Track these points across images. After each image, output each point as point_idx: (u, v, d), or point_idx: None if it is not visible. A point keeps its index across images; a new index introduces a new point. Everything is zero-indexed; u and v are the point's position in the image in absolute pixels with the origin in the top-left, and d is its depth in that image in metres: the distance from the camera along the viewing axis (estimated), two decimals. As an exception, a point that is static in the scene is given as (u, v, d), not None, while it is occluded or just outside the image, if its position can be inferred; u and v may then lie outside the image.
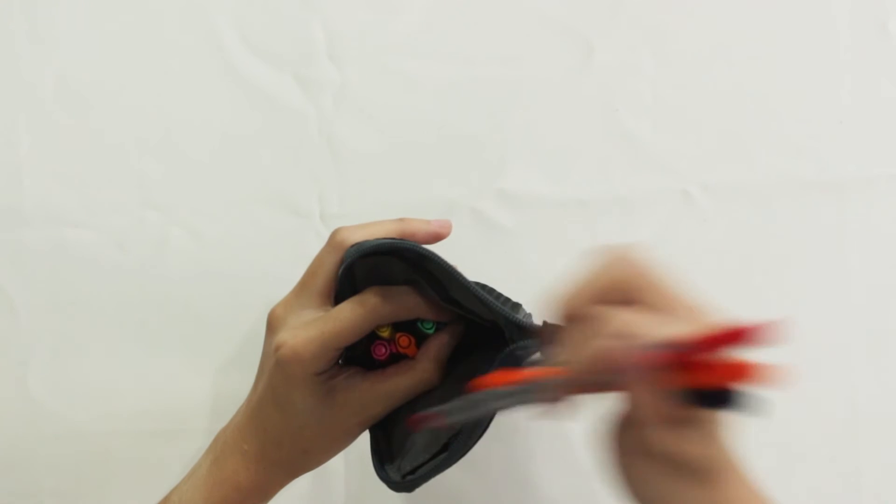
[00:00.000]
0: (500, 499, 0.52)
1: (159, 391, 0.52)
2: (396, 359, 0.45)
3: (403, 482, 0.40)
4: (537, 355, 0.37)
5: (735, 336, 0.26)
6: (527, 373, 0.32)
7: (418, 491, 0.52)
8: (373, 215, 0.53)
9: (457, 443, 0.39)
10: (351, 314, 0.38)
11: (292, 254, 0.53)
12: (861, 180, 0.53)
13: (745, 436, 0.53)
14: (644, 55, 0.54)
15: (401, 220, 0.40)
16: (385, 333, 0.44)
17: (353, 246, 0.39)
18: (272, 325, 0.40)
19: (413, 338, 0.44)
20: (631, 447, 0.32)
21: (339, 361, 0.40)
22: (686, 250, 0.53)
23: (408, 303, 0.39)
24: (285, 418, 0.39)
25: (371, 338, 0.44)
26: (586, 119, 0.54)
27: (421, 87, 0.54)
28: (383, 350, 0.44)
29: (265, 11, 0.54)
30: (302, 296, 0.39)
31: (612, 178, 0.53)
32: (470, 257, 0.53)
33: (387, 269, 0.40)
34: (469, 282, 0.37)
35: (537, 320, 0.37)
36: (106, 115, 0.54)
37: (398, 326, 0.45)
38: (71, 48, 0.54)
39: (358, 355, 0.44)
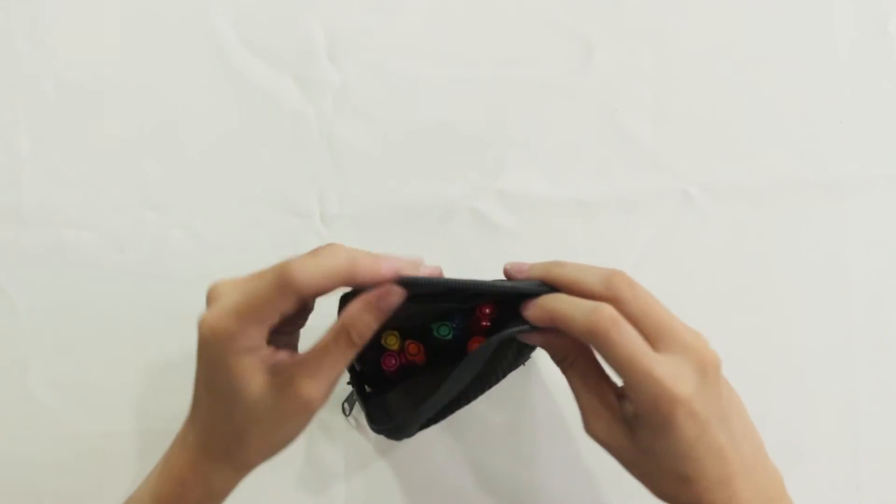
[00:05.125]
0: (500, 499, 0.52)
1: (159, 391, 0.52)
2: (406, 370, 0.45)
3: (403, 423, 0.40)
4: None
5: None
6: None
7: (418, 491, 0.52)
8: (373, 215, 0.53)
9: (451, 379, 0.39)
10: (266, 286, 0.34)
11: (292, 254, 0.53)
12: (861, 180, 0.53)
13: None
14: (644, 55, 0.54)
15: (351, 259, 0.35)
16: (394, 345, 0.43)
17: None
18: (207, 300, 0.37)
19: (421, 345, 0.44)
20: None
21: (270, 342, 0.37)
22: (686, 250, 0.53)
23: (333, 267, 0.34)
24: (215, 401, 0.37)
25: (380, 350, 0.44)
26: (586, 119, 0.54)
27: (421, 88, 0.54)
28: (393, 361, 0.43)
29: (265, 12, 0.54)
30: (240, 291, 0.35)
31: (612, 179, 0.53)
32: (470, 257, 0.53)
33: None
34: (469, 282, 0.37)
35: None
36: (105, 116, 0.54)
37: (408, 334, 0.44)
38: (71, 48, 0.54)
39: (368, 370, 0.44)
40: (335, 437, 0.52)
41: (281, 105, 0.54)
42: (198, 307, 0.35)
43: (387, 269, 0.35)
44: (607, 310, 0.33)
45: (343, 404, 0.50)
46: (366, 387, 0.47)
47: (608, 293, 0.34)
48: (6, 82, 0.54)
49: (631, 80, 0.54)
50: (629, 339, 0.33)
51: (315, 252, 0.36)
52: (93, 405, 0.52)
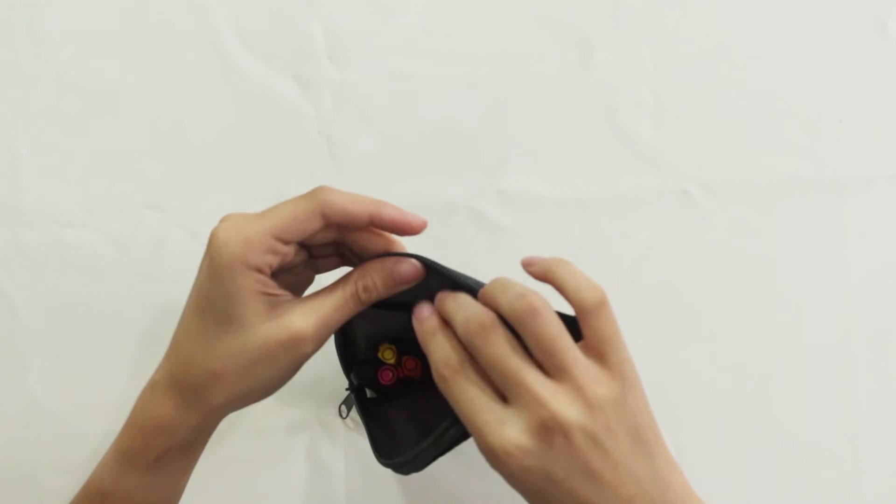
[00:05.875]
0: (500, 499, 0.52)
1: (159, 391, 0.52)
2: (404, 384, 0.45)
3: (413, 460, 0.39)
4: None
5: None
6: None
7: (418, 491, 0.52)
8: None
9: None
10: (294, 200, 0.35)
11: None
12: (860, 180, 0.53)
13: (745, 434, 0.53)
14: (644, 55, 0.54)
15: (379, 202, 0.36)
16: (391, 359, 0.44)
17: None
18: (218, 224, 0.36)
19: (419, 361, 0.44)
20: None
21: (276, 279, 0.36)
22: (686, 250, 0.53)
23: (364, 198, 0.35)
24: (201, 325, 0.35)
25: (377, 364, 0.44)
26: (586, 119, 0.54)
27: (420, 87, 0.54)
28: (390, 375, 0.44)
29: (265, 12, 0.54)
30: (261, 215, 0.35)
31: (612, 178, 0.53)
32: (469, 257, 0.53)
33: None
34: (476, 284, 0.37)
35: None
36: (105, 116, 0.54)
37: (405, 350, 0.45)
38: (71, 48, 0.54)
39: (365, 384, 0.44)
40: (335, 437, 0.52)
41: (281, 104, 0.54)
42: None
43: (413, 217, 0.35)
44: (453, 357, 0.34)
45: (340, 406, 0.50)
46: (367, 391, 0.47)
47: (512, 315, 0.33)
48: (6, 82, 0.54)
49: (631, 80, 0.54)
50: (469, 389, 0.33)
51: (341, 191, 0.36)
52: (93, 405, 0.52)
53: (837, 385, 0.52)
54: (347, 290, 0.36)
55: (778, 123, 0.54)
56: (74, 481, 0.52)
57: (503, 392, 0.33)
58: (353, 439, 0.52)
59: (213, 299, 0.34)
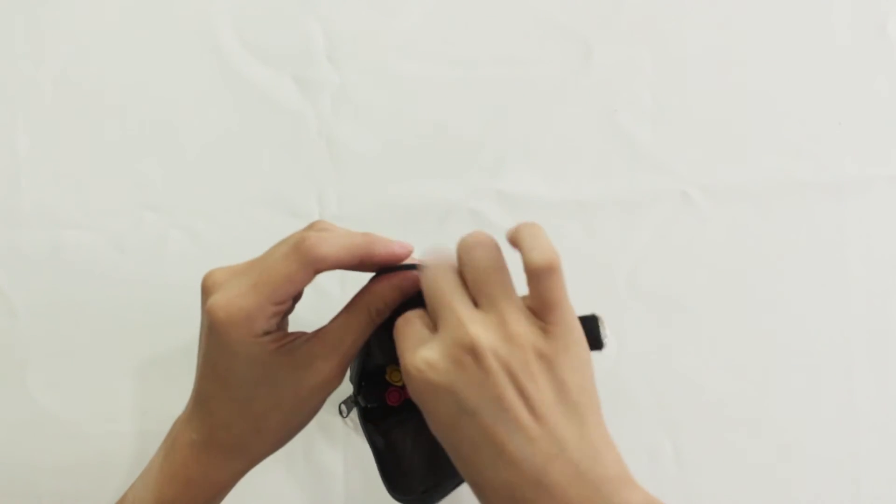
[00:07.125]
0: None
1: (158, 392, 0.52)
2: (412, 405, 0.45)
3: (422, 496, 0.39)
4: None
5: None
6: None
7: (417, 492, 0.52)
8: (372, 216, 0.53)
9: None
10: (283, 261, 0.33)
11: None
12: (860, 181, 0.53)
13: (744, 436, 0.53)
14: (643, 55, 0.54)
15: (366, 234, 0.36)
16: (399, 382, 0.43)
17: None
18: (208, 289, 0.35)
19: None
20: None
21: (283, 326, 0.37)
22: (685, 250, 0.53)
23: (352, 241, 0.34)
24: (229, 393, 0.35)
25: (385, 385, 0.44)
26: (585, 119, 0.54)
27: (420, 88, 0.54)
28: (397, 396, 0.43)
29: (264, 12, 0.54)
30: (251, 273, 0.35)
31: (612, 179, 0.53)
32: (469, 258, 0.53)
33: None
34: None
35: None
36: (105, 116, 0.54)
37: None
38: (71, 48, 0.54)
39: (373, 408, 0.44)
40: (334, 438, 0.52)
41: (280, 106, 0.54)
42: (197, 307, 0.36)
43: (399, 248, 0.35)
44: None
45: (340, 406, 0.50)
46: (368, 405, 0.46)
47: (460, 247, 0.34)
48: (6, 82, 0.54)
49: (630, 81, 0.54)
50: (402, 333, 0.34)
51: (317, 227, 0.36)
52: (92, 406, 0.52)
53: (837, 385, 0.52)
54: (362, 317, 0.36)
55: (778, 124, 0.54)
56: (74, 482, 0.53)
57: (435, 322, 0.33)
58: (353, 439, 0.52)
59: (235, 370, 0.35)
